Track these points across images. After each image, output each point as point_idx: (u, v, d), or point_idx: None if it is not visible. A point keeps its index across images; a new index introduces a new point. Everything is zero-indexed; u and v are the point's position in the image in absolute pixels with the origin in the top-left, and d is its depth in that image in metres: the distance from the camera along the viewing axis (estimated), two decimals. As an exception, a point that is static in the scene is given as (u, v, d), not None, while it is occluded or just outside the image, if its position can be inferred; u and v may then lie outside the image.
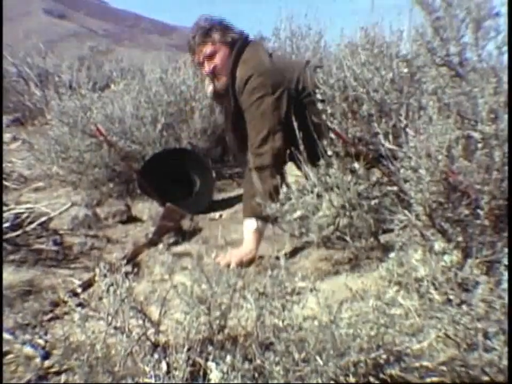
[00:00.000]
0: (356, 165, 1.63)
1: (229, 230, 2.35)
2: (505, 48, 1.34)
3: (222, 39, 2.17)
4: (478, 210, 1.29)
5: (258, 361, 1.00)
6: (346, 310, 1.05)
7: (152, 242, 2.17)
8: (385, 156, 1.58)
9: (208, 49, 2.16)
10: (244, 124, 2.10)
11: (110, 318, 1.08)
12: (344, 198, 1.63)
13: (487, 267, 1.24)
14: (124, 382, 1.02)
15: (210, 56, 2.17)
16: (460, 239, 1.33)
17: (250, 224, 1.98)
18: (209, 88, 2.25)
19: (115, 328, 1.08)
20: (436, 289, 1.21)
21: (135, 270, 1.66)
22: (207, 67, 2.19)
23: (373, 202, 1.62)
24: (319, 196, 1.68)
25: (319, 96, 1.78)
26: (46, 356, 1.27)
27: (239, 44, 2.16)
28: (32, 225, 2.08)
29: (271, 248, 1.90)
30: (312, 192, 1.69)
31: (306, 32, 3.71)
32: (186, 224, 2.41)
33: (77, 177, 2.91)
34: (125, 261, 1.20)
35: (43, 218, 2.16)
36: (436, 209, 1.35)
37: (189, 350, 1.04)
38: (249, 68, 2.08)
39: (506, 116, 1.24)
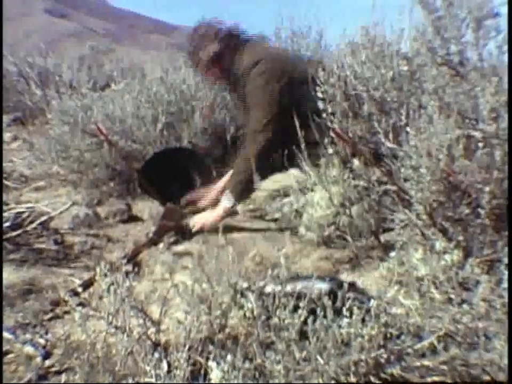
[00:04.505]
0: (355, 162, 1.63)
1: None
2: (506, 48, 1.34)
3: (229, 43, 2.17)
4: (479, 210, 1.29)
5: (259, 361, 1.00)
6: (347, 309, 1.05)
7: (153, 242, 2.16)
8: (385, 155, 1.58)
9: (214, 50, 2.15)
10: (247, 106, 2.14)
11: (110, 318, 1.08)
12: (344, 196, 1.63)
13: (488, 266, 1.24)
14: (124, 381, 1.02)
15: (216, 59, 2.17)
16: (461, 238, 1.33)
17: (228, 202, 2.14)
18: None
19: (116, 327, 1.09)
20: (436, 288, 1.21)
21: (136, 269, 1.65)
22: (210, 71, 2.22)
23: (372, 197, 1.61)
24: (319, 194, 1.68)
25: (319, 95, 1.77)
26: (47, 355, 1.27)
27: (242, 44, 2.19)
28: (33, 225, 2.08)
29: (272, 247, 1.90)
30: (312, 190, 1.69)
31: (307, 32, 3.71)
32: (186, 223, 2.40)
33: (77, 176, 2.91)
34: (125, 260, 1.21)
35: (43, 218, 2.15)
36: (437, 208, 1.35)
37: (189, 349, 1.04)
38: (257, 54, 2.11)
39: (506, 115, 1.24)
